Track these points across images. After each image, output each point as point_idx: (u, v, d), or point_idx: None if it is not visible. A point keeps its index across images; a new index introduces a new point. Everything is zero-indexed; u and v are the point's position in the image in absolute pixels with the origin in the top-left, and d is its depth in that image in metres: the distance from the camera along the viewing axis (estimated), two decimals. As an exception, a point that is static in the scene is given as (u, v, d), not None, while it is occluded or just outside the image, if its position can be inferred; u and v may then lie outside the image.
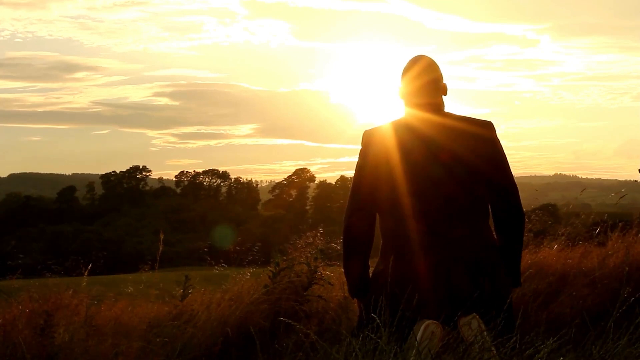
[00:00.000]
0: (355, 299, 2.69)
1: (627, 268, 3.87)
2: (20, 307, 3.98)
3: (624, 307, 2.32)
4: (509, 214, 2.59)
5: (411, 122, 2.61)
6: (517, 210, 2.59)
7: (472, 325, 2.31)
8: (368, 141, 2.63)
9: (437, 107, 2.61)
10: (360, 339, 2.12)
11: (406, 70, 2.66)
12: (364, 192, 2.59)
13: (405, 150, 2.54)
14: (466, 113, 2.67)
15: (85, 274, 4.65)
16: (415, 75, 2.63)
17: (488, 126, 2.61)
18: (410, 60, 2.68)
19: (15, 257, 4.66)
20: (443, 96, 2.65)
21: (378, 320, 2.17)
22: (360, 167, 2.62)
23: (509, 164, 2.64)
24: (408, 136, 2.57)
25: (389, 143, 2.57)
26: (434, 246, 2.47)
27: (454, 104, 2.75)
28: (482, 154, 2.54)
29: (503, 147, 2.64)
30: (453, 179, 2.50)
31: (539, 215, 5.28)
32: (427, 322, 2.30)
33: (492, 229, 2.62)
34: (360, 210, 2.59)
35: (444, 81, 2.66)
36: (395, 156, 2.54)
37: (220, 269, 5.15)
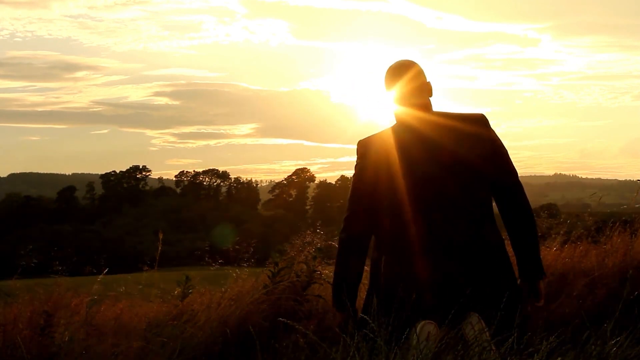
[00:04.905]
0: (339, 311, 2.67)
1: (630, 271, 3.88)
2: (21, 307, 3.98)
3: (624, 308, 2.32)
4: (515, 213, 2.58)
5: (407, 121, 2.61)
6: (524, 207, 2.58)
7: (474, 324, 2.31)
8: (365, 148, 2.63)
9: (425, 107, 2.61)
10: (356, 338, 2.12)
11: (389, 77, 2.66)
12: (364, 197, 2.59)
13: (405, 151, 2.54)
14: (466, 112, 2.66)
15: (100, 276, 4.62)
16: (406, 82, 2.63)
17: (482, 121, 2.59)
18: (390, 67, 2.67)
19: (28, 258, 4.64)
20: (430, 97, 2.64)
21: (372, 323, 2.17)
22: (359, 171, 2.62)
23: (512, 160, 2.63)
24: (406, 137, 2.57)
25: (388, 145, 2.57)
26: (434, 247, 2.47)
27: (454, 104, 2.79)
28: (482, 153, 2.53)
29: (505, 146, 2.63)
30: (452, 178, 2.50)
31: (543, 217, 5.29)
32: (423, 322, 2.30)
33: (497, 229, 2.60)
34: (363, 213, 2.59)
35: (429, 81, 2.65)
36: (394, 157, 2.54)
37: (213, 268, 5.15)
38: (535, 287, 2.59)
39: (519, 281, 2.59)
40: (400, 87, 2.63)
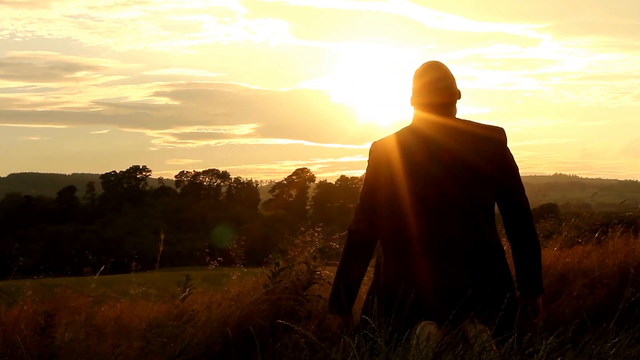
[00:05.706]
0: (337, 314, 2.65)
1: (632, 270, 3.88)
2: (24, 307, 3.98)
3: (624, 308, 2.32)
4: (520, 228, 2.56)
5: (415, 124, 2.60)
6: (528, 223, 2.56)
7: (476, 325, 2.32)
8: (372, 149, 2.63)
9: (442, 107, 2.56)
10: (356, 339, 2.12)
11: (414, 74, 2.66)
12: (368, 198, 2.59)
13: (407, 151, 2.54)
14: (467, 113, 2.66)
15: (96, 276, 4.62)
16: (419, 75, 2.62)
17: (497, 130, 2.57)
18: (419, 66, 2.67)
19: (17, 258, 4.64)
20: (457, 99, 2.61)
21: (372, 323, 2.17)
22: (366, 173, 2.64)
23: (518, 169, 2.61)
24: (410, 138, 2.57)
25: (391, 145, 2.57)
26: (434, 247, 2.47)
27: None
28: (488, 156, 2.50)
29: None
30: (454, 179, 2.49)
31: (548, 220, 5.30)
32: (423, 322, 2.30)
33: (496, 231, 2.60)
34: (366, 217, 2.59)
35: (456, 85, 2.62)
36: (396, 157, 2.54)
37: (213, 268, 5.15)
38: (534, 303, 2.60)
39: (517, 294, 2.59)
40: (414, 82, 2.62)
